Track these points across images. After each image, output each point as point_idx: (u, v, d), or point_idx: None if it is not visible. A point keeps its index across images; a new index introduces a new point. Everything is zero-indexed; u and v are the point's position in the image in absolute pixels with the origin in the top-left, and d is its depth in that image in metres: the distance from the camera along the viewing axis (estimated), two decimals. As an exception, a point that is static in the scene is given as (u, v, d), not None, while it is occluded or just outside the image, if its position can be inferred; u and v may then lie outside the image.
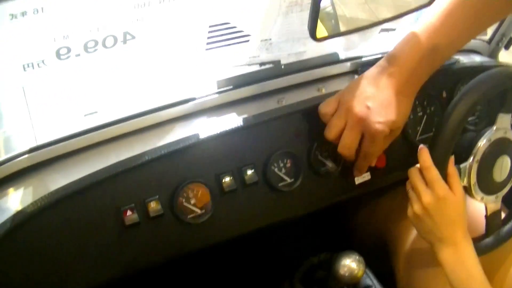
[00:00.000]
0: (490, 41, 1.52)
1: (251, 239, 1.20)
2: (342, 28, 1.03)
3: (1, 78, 0.94)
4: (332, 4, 0.97)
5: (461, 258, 1.08)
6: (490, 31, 1.51)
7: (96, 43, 0.91)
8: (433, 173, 1.07)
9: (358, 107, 1.06)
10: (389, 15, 1.06)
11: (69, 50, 0.91)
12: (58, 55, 0.90)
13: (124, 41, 0.93)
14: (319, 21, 0.94)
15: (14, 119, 1.13)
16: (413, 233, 1.36)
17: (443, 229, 1.08)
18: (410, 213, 1.14)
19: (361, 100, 1.07)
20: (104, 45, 0.92)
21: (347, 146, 1.11)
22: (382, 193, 1.47)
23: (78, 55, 0.92)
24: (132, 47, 0.95)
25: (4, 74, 0.94)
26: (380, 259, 1.37)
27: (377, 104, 1.06)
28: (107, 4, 0.88)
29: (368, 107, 1.06)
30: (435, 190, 1.07)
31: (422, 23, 1.06)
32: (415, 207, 1.11)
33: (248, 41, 1.17)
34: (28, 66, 0.91)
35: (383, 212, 1.49)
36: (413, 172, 1.12)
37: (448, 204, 1.07)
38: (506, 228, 1.27)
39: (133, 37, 0.94)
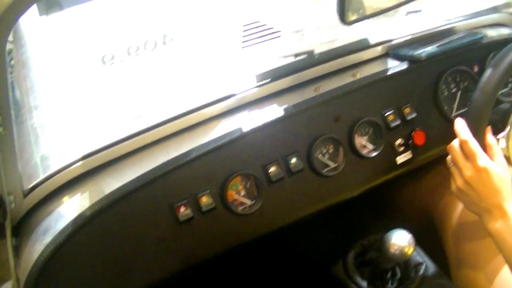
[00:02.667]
0: (517, 12, 1.51)
1: (296, 228, 1.21)
2: (371, 10, 1.04)
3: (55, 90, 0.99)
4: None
5: (510, 227, 1.07)
6: None
7: (138, 47, 0.95)
8: (472, 145, 1.09)
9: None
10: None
11: (113, 56, 0.94)
12: (103, 61, 0.94)
13: (164, 43, 0.97)
14: (348, 4, 0.96)
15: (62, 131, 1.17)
16: (459, 206, 1.37)
17: (489, 200, 1.09)
18: (454, 188, 1.15)
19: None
20: (145, 48, 0.96)
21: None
22: (425, 170, 1.47)
23: (122, 60, 0.95)
24: (172, 48, 0.99)
25: (57, 86, 0.98)
26: (428, 235, 1.37)
27: None
28: (147, 8, 0.92)
29: None
30: (475, 162, 1.08)
31: None
32: (458, 182, 1.13)
33: (279, 36, 1.20)
34: (76, 74, 0.95)
35: (427, 188, 1.50)
36: (452, 147, 1.13)
37: (490, 174, 1.08)
38: None
39: (172, 39, 0.97)
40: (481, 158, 1.08)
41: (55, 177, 1.07)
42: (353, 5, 0.97)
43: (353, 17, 0.99)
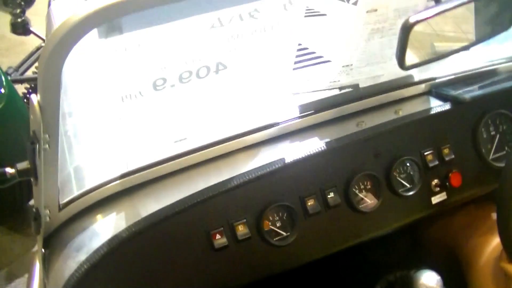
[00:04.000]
0: None
1: (326, 262, 1.22)
2: (429, 56, 1.04)
3: (100, 109, 0.98)
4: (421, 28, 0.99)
5: None
6: None
7: (191, 73, 0.95)
8: None
9: None
10: (471, 41, 1.08)
11: (165, 81, 0.94)
12: (154, 86, 0.94)
13: (217, 71, 0.97)
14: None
15: (103, 148, 1.17)
16: (487, 250, 1.37)
17: None
18: None
19: None
20: (197, 76, 0.96)
21: None
22: (455, 209, 1.47)
23: (173, 85, 0.95)
24: (223, 76, 0.98)
25: (104, 106, 0.97)
26: (452, 276, 1.37)
27: None
28: (204, 37, 0.92)
29: None
30: None
31: None
32: None
33: (328, 61, 1.20)
34: (126, 97, 0.95)
35: (455, 228, 1.50)
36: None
37: None
38: None
39: (225, 67, 0.97)
40: None
41: (92, 193, 1.08)
42: (414, 46, 0.97)
43: (411, 63, 0.99)
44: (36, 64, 2.99)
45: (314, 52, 1.22)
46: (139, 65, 0.90)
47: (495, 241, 1.34)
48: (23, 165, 0.94)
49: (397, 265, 1.39)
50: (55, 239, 1.10)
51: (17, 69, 2.94)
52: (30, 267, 1.40)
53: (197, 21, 0.87)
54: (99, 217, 1.07)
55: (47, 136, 0.86)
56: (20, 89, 2.68)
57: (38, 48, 3.02)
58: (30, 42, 3.70)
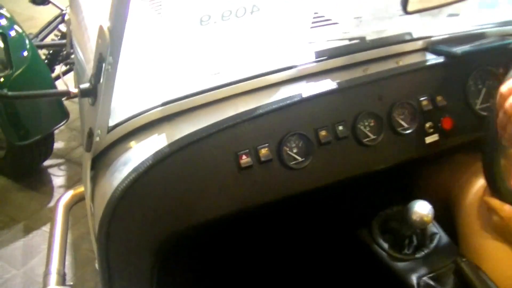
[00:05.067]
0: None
1: (328, 192, 1.39)
2: (431, 3, 1.23)
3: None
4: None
5: None
6: None
7: (230, 12, 1.12)
8: (504, 213, 1.35)
9: None
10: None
11: (209, 17, 1.12)
12: (200, 21, 1.11)
13: (252, 12, 1.15)
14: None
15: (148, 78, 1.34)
16: (472, 189, 1.55)
17: None
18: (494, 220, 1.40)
19: None
20: (236, 15, 1.14)
21: None
22: (444, 156, 1.64)
23: (215, 22, 1.13)
24: (256, 18, 1.17)
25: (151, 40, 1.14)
26: (443, 212, 1.56)
27: None
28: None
29: None
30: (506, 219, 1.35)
31: None
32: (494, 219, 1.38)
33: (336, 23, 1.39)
34: (175, 30, 1.12)
35: (446, 173, 1.67)
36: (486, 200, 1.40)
37: None
38: None
39: (258, 10, 1.15)
40: (504, 211, 1.33)
41: (136, 118, 1.23)
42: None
43: (414, 8, 1.18)
44: (55, 31, 3.15)
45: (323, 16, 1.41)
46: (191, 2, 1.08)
47: (479, 183, 1.52)
48: (85, 85, 1.08)
49: (394, 202, 1.56)
50: (102, 159, 1.24)
51: (37, 35, 3.10)
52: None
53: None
54: (143, 139, 1.23)
55: (111, 58, 0.98)
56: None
57: (56, 17, 3.17)
58: (40, 16, 3.86)
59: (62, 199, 1.78)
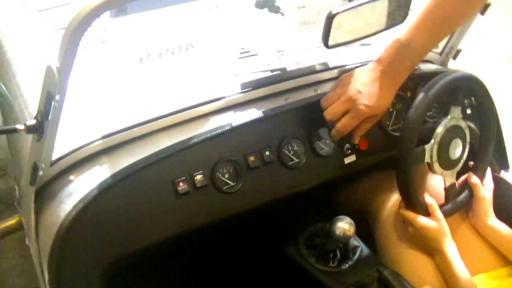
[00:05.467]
0: (441, 53, 1.85)
1: (258, 213, 1.49)
2: (348, 38, 1.37)
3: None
4: (339, 21, 1.31)
5: (446, 262, 1.52)
6: (441, 45, 1.83)
7: (167, 51, 1.23)
8: (418, 224, 1.52)
9: (352, 89, 1.41)
10: (375, 30, 1.41)
11: (148, 56, 1.21)
12: (140, 60, 1.21)
13: (186, 50, 1.25)
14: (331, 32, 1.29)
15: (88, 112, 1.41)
16: (388, 204, 1.70)
17: (431, 244, 1.55)
18: (410, 231, 1.58)
19: (356, 84, 1.41)
20: (172, 53, 1.24)
21: (333, 112, 1.44)
22: (361, 174, 1.79)
23: (153, 60, 1.23)
24: (190, 54, 1.27)
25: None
26: (362, 228, 1.69)
27: (367, 91, 1.40)
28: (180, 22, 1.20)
29: (359, 91, 1.40)
30: (416, 223, 1.52)
31: (402, 32, 1.40)
32: (410, 230, 1.56)
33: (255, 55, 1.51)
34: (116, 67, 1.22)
35: (362, 190, 1.82)
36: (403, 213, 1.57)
37: (427, 230, 1.53)
38: (460, 197, 1.64)
39: (193, 47, 1.26)
40: (417, 221, 1.51)
41: (78, 151, 1.30)
42: (335, 32, 1.29)
43: (334, 42, 1.31)
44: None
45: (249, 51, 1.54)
46: (132, 41, 1.17)
47: (394, 198, 1.67)
48: (31, 122, 1.12)
49: (316, 220, 1.68)
50: (46, 192, 1.30)
51: None
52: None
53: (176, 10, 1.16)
54: (85, 171, 1.29)
55: (58, 96, 1.05)
56: None
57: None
58: None
59: None
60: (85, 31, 0.97)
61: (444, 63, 1.86)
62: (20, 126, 1.14)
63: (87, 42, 1.65)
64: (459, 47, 1.83)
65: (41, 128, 1.12)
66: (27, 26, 2.07)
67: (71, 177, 1.30)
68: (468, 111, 1.76)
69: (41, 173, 1.23)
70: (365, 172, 1.79)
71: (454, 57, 1.87)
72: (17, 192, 1.77)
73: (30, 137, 1.21)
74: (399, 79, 1.44)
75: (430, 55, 1.84)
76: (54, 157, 1.28)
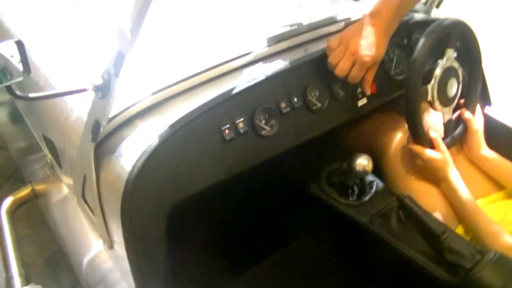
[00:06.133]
0: (425, 3, 2.03)
1: (284, 157, 1.64)
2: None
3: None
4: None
5: (452, 189, 1.70)
6: None
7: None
8: (426, 156, 1.69)
9: (353, 44, 1.56)
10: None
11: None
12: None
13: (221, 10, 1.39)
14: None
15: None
16: (393, 141, 1.88)
17: (438, 174, 1.73)
18: (418, 163, 1.75)
19: (355, 40, 1.57)
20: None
21: (342, 69, 1.59)
22: (366, 117, 1.96)
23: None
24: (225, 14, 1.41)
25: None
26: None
27: (366, 43, 1.56)
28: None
29: (360, 45, 1.56)
30: (423, 156, 1.69)
31: None
32: (418, 162, 1.73)
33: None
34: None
35: (369, 130, 2.00)
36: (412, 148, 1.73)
37: (433, 161, 1.70)
38: (457, 131, 1.83)
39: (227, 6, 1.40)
40: (425, 154, 1.68)
41: (131, 108, 1.43)
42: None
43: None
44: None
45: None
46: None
47: (399, 136, 1.85)
48: (98, 81, 1.25)
49: (331, 160, 1.83)
50: (104, 148, 1.42)
51: None
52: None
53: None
54: (139, 125, 1.42)
55: (128, 55, 1.16)
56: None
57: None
58: None
59: (3, 205, 1.88)
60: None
61: (428, 12, 2.02)
62: (87, 86, 1.25)
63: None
64: (440, -3, 2.01)
65: (107, 86, 1.24)
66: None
67: (127, 132, 1.42)
68: (455, 54, 1.93)
69: (101, 130, 1.35)
70: (369, 114, 1.95)
71: (437, 6, 2.06)
72: (48, 157, 1.87)
73: (66, 101, 1.40)
74: (390, 28, 1.60)
75: (416, 5, 2.00)
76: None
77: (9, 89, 1.25)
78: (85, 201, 1.53)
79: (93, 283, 1.81)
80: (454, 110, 1.85)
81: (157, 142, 1.35)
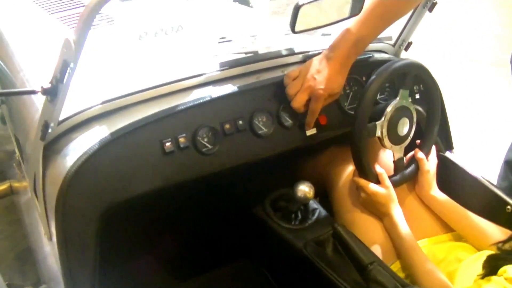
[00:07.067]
0: (394, 44, 2.09)
1: (234, 176, 1.72)
2: (313, 25, 1.59)
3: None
4: (304, 11, 1.55)
5: (394, 226, 1.76)
6: (394, 37, 2.08)
7: (162, 30, 1.46)
8: (369, 190, 1.76)
9: (310, 77, 1.65)
10: (335, 19, 1.64)
11: (146, 34, 1.45)
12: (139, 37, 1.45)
13: (177, 30, 1.49)
14: (297, 19, 1.52)
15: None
16: (344, 174, 1.94)
17: (381, 209, 1.80)
18: (361, 196, 1.82)
19: (312, 74, 1.65)
20: (165, 33, 1.48)
21: (298, 102, 1.68)
22: (322, 148, 2.03)
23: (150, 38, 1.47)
24: (179, 35, 1.51)
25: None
26: (322, 195, 1.94)
27: (321, 77, 1.64)
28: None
29: (315, 79, 1.64)
30: (367, 190, 1.76)
31: (354, 21, 1.64)
32: (362, 196, 1.80)
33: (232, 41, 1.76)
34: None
35: (322, 163, 2.06)
36: (357, 181, 1.81)
37: (377, 195, 1.77)
38: (408, 170, 1.89)
39: (182, 28, 1.49)
40: (369, 188, 1.75)
41: (81, 113, 1.51)
42: (301, 20, 1.53)
43: (300, 29, 1.55)
44: None
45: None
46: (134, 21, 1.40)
47: (350, 169, 1.91)
48: (47, 85, 1.32)
49: (281, 185, 1.92)
50: (53, 147, 1.51)
51: None
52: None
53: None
54: (86, 130, 1.50)
55: (72, 64, 1.25)
56: None
57: None
58: None
59: None
60: (98, 12, 1.19)
61: (397, 54, 2.08)
62: (37, 89, 1.35)
63: (98, 21, 1.88)
64: (410, 39, 2.09)
65: (54, 91, 1.33)
66: (22, 12, 2.29)
67: (75, 135, 1.51)
68: (417, 96, 2.00)
69: (50, 130, 1.44)
70: (326, 146, 2.03)
71: (406, 49, 2.11)
72: (17, 154, 1.98)
73: (34, 102, 1.49)
74: (346, 64, 1.68)
75: (385, 47, 2.09)
76: (61, 118, 1.49)
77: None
78: (36, 196, 1.62)
79: (49, 278, 1.91)
80: (408, 150, 1.92)
81: (97, 146, 1.44)
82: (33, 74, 1.85)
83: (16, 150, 1.98)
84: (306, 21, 1.56)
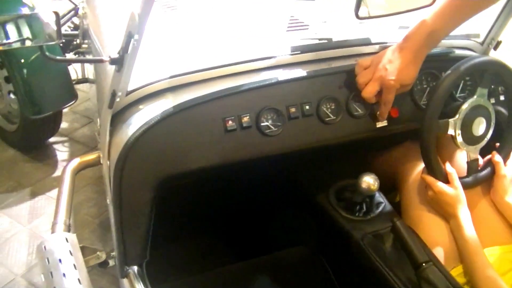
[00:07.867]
0: (482, 43, 2.01)
1: (297, 161, 1.71)
2: (377, 13, 1.58)
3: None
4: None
5: (459, 227, 1.68)
6: (482, 36, 1.99)
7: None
8: (437, 189, 1.71)
9: (381, 68, 1.62)
10: (404, 9, 1.61)
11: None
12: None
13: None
14: (362, 5, 1.50)
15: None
16: (414, 171, 1.89)
17: (448, 209, 1.72)
18: (428, 195, 1.76)
19: (383, 64, 1.62)
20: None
21: (369, 92, 1.66)
22: (396, 143, 2.00)
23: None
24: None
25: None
26: (390, 188, 1.91)
27: (393, 68, 1.61)
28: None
29: (386, 69, 1.61)
30: (434, 188, 1.70)
31: (428, 15, 1.60)
32: (429, 194, 1.74)
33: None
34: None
35: (394, 158, 2.03)
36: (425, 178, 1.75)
37: (444, 195, 1.71)
38: (482, 173, 1.81)
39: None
40: (436, 186, 1.69)
41: (149, 86, 1.56)
42: (366, 7, 1.51)
43: (364, 15, 1.53)
44: (68, 23, 3.50)
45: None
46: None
47: (421, 166, 1.86)
48: (114, 55, 1.38)
49: (348, 176, 1.89)
50: (120, 117, 1.57)
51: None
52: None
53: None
54: (152, 102, 1.55)
55: (137, 35, 1.30)
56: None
57: (70, 11, 3.49)
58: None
59: (70, 164, 2.02)
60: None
61: (485, 53, 1.99)
62: (105, 58, 1.41)
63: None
64: (499, 38, 1.99)
65: (121, 61, 1.39)
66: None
67: (141, 106, 1.56)
68: (502, 98, 1.92)
69: (118, 99, 1.49)
70: (399, 141, 2.00)
71: (495, 48, 2.00)
72: (98, 124, 2.06)
73: (109, 75, 1.49)
74: (419, 55, 1.63)
75: (472, 44, 2.01)
76: (130, 88, 1.54)
77: (41, 49, 1.44)
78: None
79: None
80: (486, 152, 1.84)
81: (159, 117, 1.49)
82: (112, 47, 1.91)
83: (98, 120, 2.06)
84: (372, 8, 1.54)
